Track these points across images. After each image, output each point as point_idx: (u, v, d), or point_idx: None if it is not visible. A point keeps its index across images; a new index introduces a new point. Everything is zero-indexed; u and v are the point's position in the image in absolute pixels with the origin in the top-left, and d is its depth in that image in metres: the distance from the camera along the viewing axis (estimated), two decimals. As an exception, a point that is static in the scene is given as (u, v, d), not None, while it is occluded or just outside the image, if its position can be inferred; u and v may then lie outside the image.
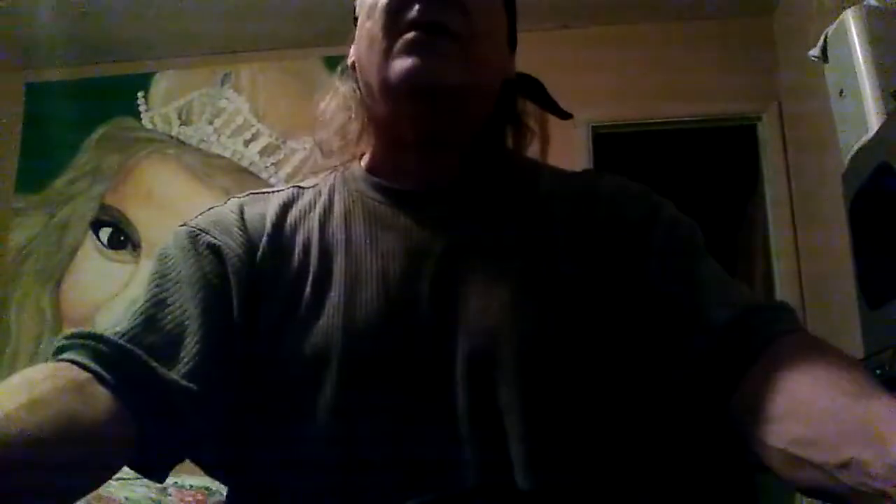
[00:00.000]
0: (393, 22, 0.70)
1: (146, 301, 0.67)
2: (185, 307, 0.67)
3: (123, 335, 0.63)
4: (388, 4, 0.71)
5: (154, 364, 0.61)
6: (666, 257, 0.70)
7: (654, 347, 0.66)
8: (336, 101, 0.81)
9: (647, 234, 0.71)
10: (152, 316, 0.66)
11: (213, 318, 0.66)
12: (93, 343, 0.61)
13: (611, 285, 0.69)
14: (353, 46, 0.79)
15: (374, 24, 0.72)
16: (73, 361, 0.59)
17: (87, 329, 0.62)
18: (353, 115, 0.79)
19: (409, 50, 0.69)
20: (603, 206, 0.74)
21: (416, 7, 0.69)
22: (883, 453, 0.44)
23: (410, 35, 0.69)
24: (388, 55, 0.70)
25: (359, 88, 0.78)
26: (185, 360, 0.63)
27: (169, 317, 0.66)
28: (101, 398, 0.57)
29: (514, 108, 0.81)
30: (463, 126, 0.75)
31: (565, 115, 0.84)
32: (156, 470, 0.63)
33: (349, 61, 0.80)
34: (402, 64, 0.69)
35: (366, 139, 0.79)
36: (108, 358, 0.60)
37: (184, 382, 0.62)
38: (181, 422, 0.62)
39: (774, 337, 0.60)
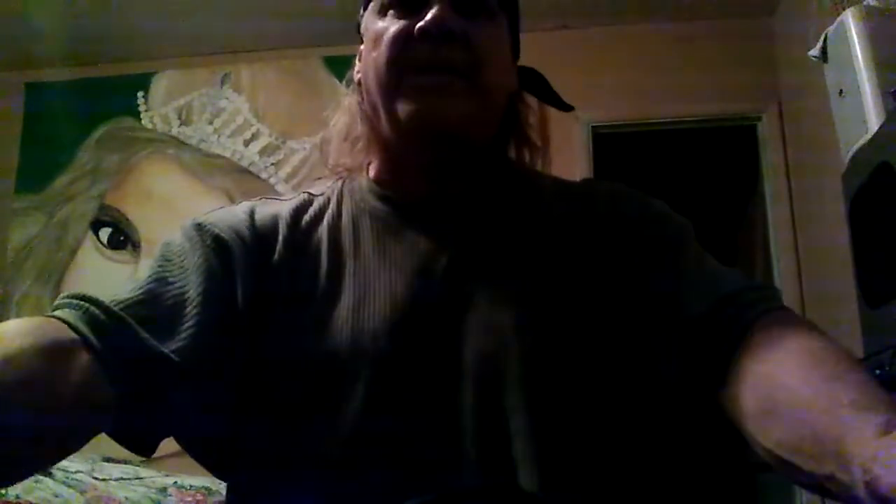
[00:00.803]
0: (399, 59, 0.71)
1: (148, 278, 0.68)
2: (187, 291, 0.67)
3: (120, 304, 0.63)
4: (393, 41, 0.72)
5: (144, 335, 0.62)
6: (653, 254, 0.71)
7: (646, 345, 0.67)
8: (343, 116, 0.82)
9: (640, 232, 0.73)
10: (152, 292, 0.66)
11: (213, 306, 0.67)
12: (87, 305, 0.61)
13: (610, 286, 0.70)
14: (358, 63, 0.79)
15: (380, 56, 0.72)
16: (63, 320, 0.60)
17: (85, 293, 0.63)
18: (359, 131, 0.80)
19: (417, 94, 0.70)
20: (601, 206, 0.76)
21: (422, 47, 0.70)
22: (857, 476, 0.45)
23: (418, 79, 0.70)
24: (395, 94, 0.71)
25: (364, 103, 0.78)
26: (179, 337, 0.64)
27: (168, 296, 0.66)
28: (82, 362, 0.57)
29: (519, 121, 0.82)
30: (468, 148, 0.76)
31: (567, 108, 0.85)
32: (139, 443, 0.63)
33: (355, 77, 0.81)
34: (410, 108, 0.70)
35: (372, 152, 0.80)
36: (100, 322, 0.60)
37: (173, 356, 0.62)
38: (164, 394, 0.62)
39: (750, 324, 0.61)
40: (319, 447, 0.65)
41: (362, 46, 0.78)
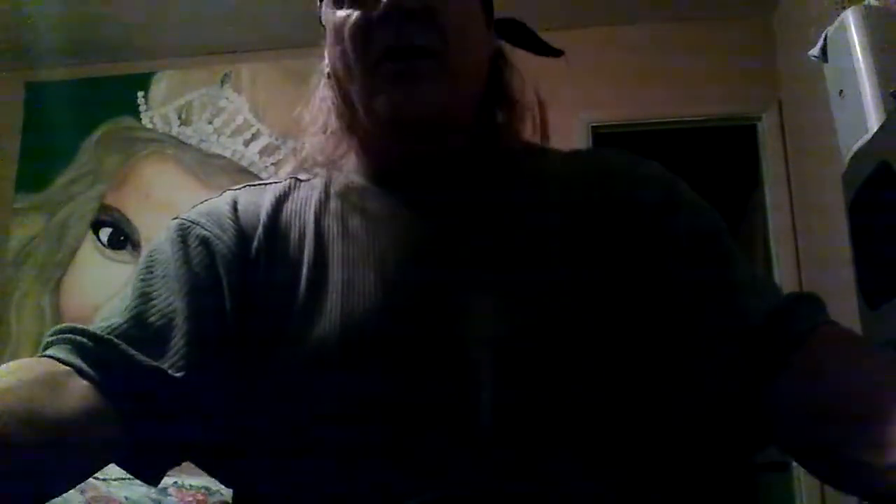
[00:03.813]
0: (364, 50, 0.69)
1: (132, 296, 0.67)
2: (172, 302, 0.66)
3: (107, 329, 0.62)
4: (353, 31, 0.70)
5: (139, 356, 0.61)
6: (694, 249, 0.68)
7: (676, 340, 0.65)
8: (318, 114, 0.80)
9: (669, 220, 0.70)
10: (138, 310, 0.65)
11: (200, 312, 0.66)
12: (75, 337, 0.60)
13: (620, 270, 0.68)
14: (326, 57, 0.77)
15: (345, 49, 0.71)
16: (53, 357, 0.59)
17: (71, 324, 0.62)
18: (335, 126, 0.78)
19: (389, 84, 0.68)
20: (615, 186, 0.73)
21: (383, 31, 0.68)
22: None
23: (388, 68, 0.68)
24: (368, 87, 0.70)
25: (337, 97, 0.76)
26: (172, 352, 0.63)
27: (156, 312, 0.65)
28: (78, 392, 0.56)
29: (502, 86, 0.78)
30: (453, 126, 0.73)
31: (557, 53, 0.82)
32: (148, 471, 0.63)
33: (325, 70, 0.79)
34: (385, 100, 0.68)
35: (353, 142, 0.78)
36: (90, 351, 0.59)
37: (171, 373, 0.61)
38: (169, 415, 0.61)
39: (808, 333, 0.61)
40: (315, 437, 0.64)
41: (326, 39, 0.75)
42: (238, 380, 0.67)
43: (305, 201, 0.75)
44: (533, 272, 0.67)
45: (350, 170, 0.77)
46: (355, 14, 0.70)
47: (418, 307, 0.66)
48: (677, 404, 0.66)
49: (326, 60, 0.77)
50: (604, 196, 0.72)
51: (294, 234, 0.72)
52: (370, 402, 0.64)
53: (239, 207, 0.74)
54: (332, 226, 0.72)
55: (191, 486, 2.05)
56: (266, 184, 0.78)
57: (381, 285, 0.67)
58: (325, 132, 0.78)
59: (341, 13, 0.71)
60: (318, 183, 0.77)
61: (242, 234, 0.71)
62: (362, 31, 0.69)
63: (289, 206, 0.74)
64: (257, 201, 0.75)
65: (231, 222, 0.72)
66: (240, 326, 0.67)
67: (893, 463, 0.47)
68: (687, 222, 0.70)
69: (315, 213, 0.73)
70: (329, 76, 0.77)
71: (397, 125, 0.70)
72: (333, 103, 0.77)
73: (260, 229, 0.72)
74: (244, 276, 0.69)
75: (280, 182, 0.78)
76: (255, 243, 0.71)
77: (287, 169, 3.21)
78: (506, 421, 0.62)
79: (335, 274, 0.68)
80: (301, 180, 0.78)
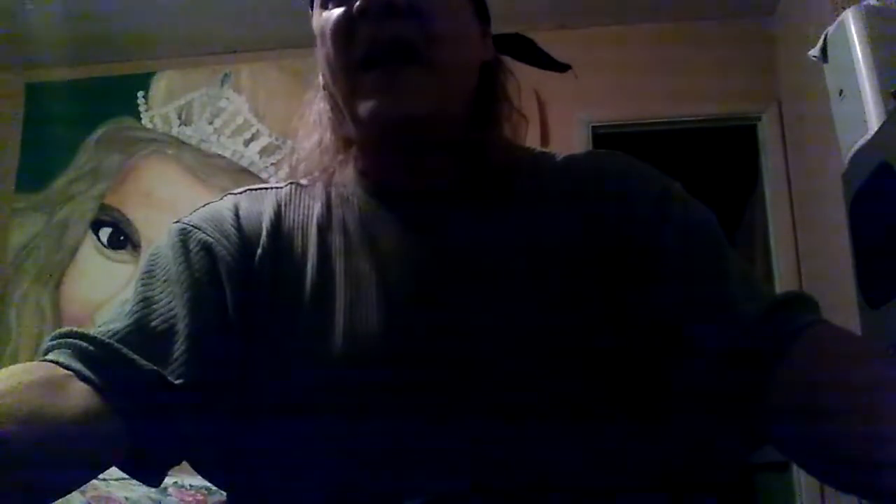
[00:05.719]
0: (347, 46, 0.69)
1: (133, 301, 0.66)
2: (174, 308, 0.65)
3: (109, 334, 0.62)
4: (335, 28, 0.69)
5: (139, 361, 0.60)
6: (686, 246, 0.68)
7: (672, 339, 0.65)
8: (313, 127, 0.79)
9: (661, 218, 0.70)
10: (139, 315, 0.65)
11: (201, 317, 0.65)
12: (76, 342, 0.60)
13: (618, 276, 0.68)
14: (320, 68, 0.76)
15: (328, 49, 0.70)
16: (54, 361, 0.59)
17: (71, 328, 0.62)
18: (328, 143, 0.77)
19: (372, 90, 0.67)
20: (609, 188, 0.73)
21: (364, 27, 0.67)
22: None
23: (373, 74, 0.67)
24: (353, 89, 0.69)
25: (332, 109, 0.76)
26: (173, 358, 0.63)
27: (157, 317, 0.65)
28: (78, 395, 0.56)
29: (495, 93, 0.78)
30: (444, 132, 0.73)
31: (563, 67, 0.82)
32: (149, 473, 0.62)
33: (321, 83, 0.78)
34: (369, 106, 0.68)
35: (349, 153, 0.77)
36: (91, 355, 0.59)
37: (171, 378, 0.61)
38: (170, 419, 0.61)
39: (800, 331, 0.60)
40: (315, 453, 0.64)
41: (317, 48, 0.75)
42: (239, 385, 0.66)
43: (308, 210, 0.75)
44: (532, 288, 0.67)
45: (349, 181, 0.77)
46: (338, 11, 0.70)
47: (422, 327, 0.66)
48: (673, 402, 0.66)
49: (320, 71, 0.77)
50: (598, 198, 0.72)
51: (297, 246, 0.72)
52: (373, 420, 0.64)
53: (241, 213, 0.73)
54: (335, 242, 0.72)
55: (191, 486, 2.05)
56: (266, 188, 0.78)
57: (385, 305, 0.67)
58: (320, 146, 0.78)
59: (326, 13, 0.71)
60: (318, 192, 0.76)
61: (245, 241, 0.71)
62: (344, 28, 0.69)
63: (291, 215, 0.74)
64: (259, 208, 0.74)
65: (233, 229, 0.72)
66: (241, 332, 0.67)
67: (892, 460, 0.47)
68: (679, 220, 0.70)
69: (318, 225, 0.73)
70: (324, 87, 0.77)
71: (381, 130, 0.70)
72: (329, 117, 0.77)
73: (263, 237, 0.71)
74: (247, 283, 0.69)
75: (280, 187, 0.78)
76: (260, 250, 0.71)
77: (287, 169, 3.21)
78: (508, 439, 0.63)
79: (340, 292, 0.68)
80: (301, 185, 0.78)
